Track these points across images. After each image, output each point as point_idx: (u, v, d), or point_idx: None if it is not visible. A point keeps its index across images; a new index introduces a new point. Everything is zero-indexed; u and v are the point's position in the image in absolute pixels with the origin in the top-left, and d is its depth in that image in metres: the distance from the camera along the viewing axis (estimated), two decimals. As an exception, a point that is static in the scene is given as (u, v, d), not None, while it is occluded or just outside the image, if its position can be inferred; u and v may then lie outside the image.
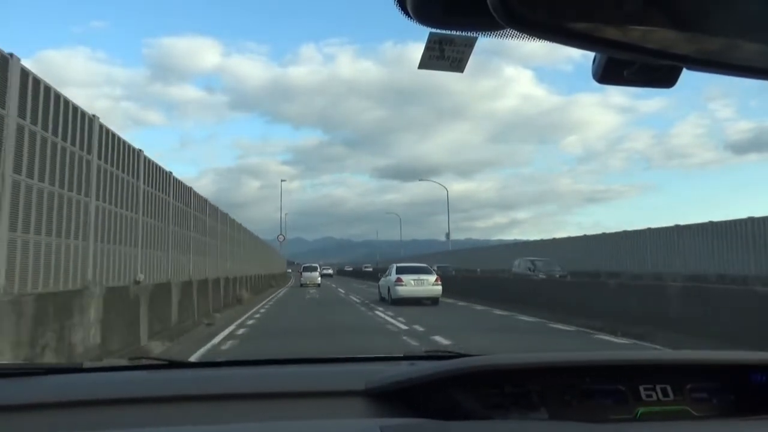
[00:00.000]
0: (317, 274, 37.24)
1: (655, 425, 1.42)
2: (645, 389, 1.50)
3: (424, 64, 1.66)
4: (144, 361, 1.87)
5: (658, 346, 8.60)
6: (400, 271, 19.30)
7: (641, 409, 1.47)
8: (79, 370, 1.69)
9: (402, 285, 18.57)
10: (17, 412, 1.33)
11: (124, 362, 1.87)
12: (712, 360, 1.62)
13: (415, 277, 18.91)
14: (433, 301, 18.63)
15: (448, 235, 37.56)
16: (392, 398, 1.42)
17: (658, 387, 1.51)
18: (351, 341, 10.01)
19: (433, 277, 19.11)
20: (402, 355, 1.92)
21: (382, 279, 21.29)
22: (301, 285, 36.73)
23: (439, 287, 18.89)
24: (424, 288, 18.66)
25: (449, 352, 1.94)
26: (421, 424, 1.22)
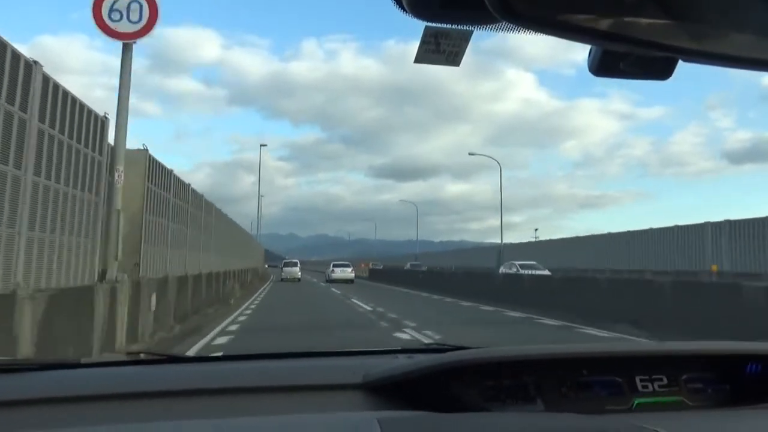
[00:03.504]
0: (297, 269, 39.40)
1: (651, 416, 1.43)
2: (641, 380, 1.51)
3: (420, 57, 1.66)
4: (142, 356, 1.87)
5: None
6: (334, 265, 37.61)
7: (637, 400, 1.48)
8: (76, 365, 1.68)
9: (334, 272, 36.20)
10: (12, 407, 1.33)
11: (121, 357, 1.87)
12: (707, 351, 1.63)
13: (341, 268, 36.59)
14: (350, 281, 35.00)
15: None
16: (390, 391, 1.42)
17: (654, 378, 1.52)
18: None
19: (350, 269, 36.99)
20: (400, 348, 1.93)
21: (327, 270, 38.67)
22: (282, 280, 37.20)
23: (353, 274, 36.86)
24: (345, 275, 35.85)
25: (447, 345, 1.95)
26: (418, 417, 1.22)
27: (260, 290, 27.69)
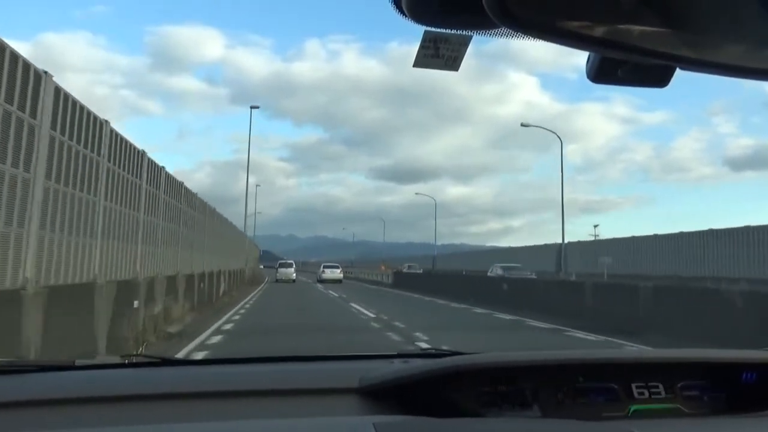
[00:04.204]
0: (293, 270, 39.44)
1: (647, 422, 1.43)
2: (637, 387, 1.51)
3: (419, 62, 1.66)
4: (137, 359, 1.87)
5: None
6: (324, 266, 39.88)
7: (633, 407, 1.48)
8: (71, 367, 1.68)
9: (324, 273, 38.34)
10: (7, 409, 1.33)
11: (116, 360, 1.86)
12: (703, 358, 1.63)
13: (331, 269, 38.88)
14: (338, 281, 37.19)
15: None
16: (386, 396, 1.42)
17: (650, 385, 1.52)
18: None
19: (339, 269, 39.45)
20: (396, 353, 1.93)
21: (318, 271, 40.74)
22: (277, 281, 36.81)
23: (341, 275, 39.00)
24: (334, 275, 38.03)
25: (443, 350, 1.95)
26: (414, 422, 1.22)
27: (240, 304, 17.37)
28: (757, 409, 1.48)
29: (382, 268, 48.29)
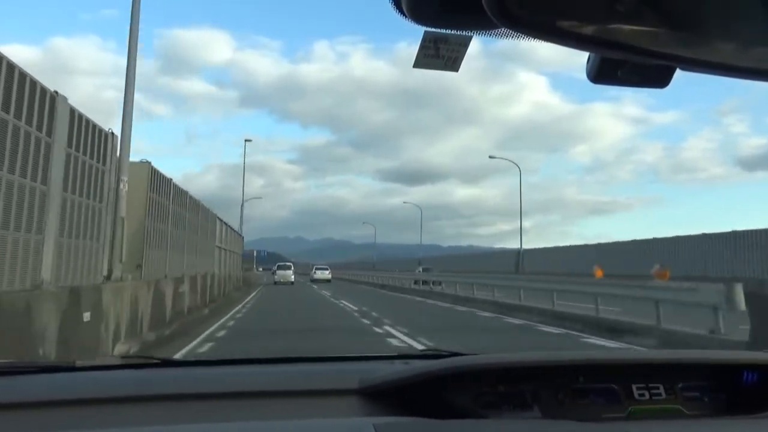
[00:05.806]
0: (291, 272, 39.61)
1: (647, 423, 1.43)
2: (637, 388, 1.51)
3: (419, 62, 1.67)
4: (137, 360, 1.87)
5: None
6: (316, 268, 47.02)
7: (633, 408, 1.48)
8: (72, 368, 1.68)
9: (315, 274, 44.74)
10: (8, 410, 1.32)
11: (116, 361, 1.86)
12: (704, 359, 1.63)
13: (321, 270, 45.87)
14: (327, 281, 42.88)
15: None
16: (386, 397, 1.42)
17: (650, 386, 1.52)
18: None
19: (327, 271, 46.29)
20: (396, 354, 1.93)
21: (311, 272, 46.98)
22: (275, 282, 37.05)
23: (330, 275, 45.30)
24: (324, 275, 44.41)
25: (443, 351, 1.95)
26: (414, 423, 1.22)
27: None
28: (758, 411, 1.48)
29: (600, 273, 22.54)
